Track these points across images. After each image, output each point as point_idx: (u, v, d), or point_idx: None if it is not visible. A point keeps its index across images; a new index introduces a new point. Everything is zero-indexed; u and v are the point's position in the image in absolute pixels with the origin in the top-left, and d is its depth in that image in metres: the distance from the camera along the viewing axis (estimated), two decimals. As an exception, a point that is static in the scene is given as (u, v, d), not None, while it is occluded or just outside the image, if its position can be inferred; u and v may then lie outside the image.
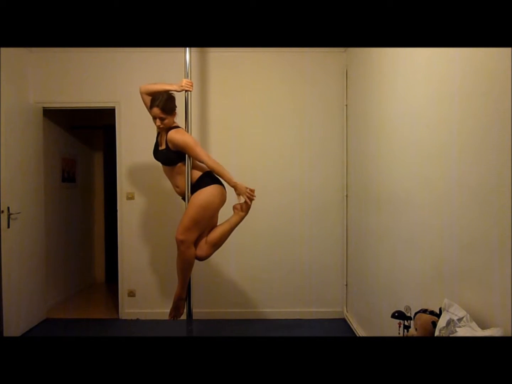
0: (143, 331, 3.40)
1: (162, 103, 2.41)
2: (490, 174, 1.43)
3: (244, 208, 2.60)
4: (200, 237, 2.57)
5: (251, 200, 2.56)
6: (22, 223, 3.25)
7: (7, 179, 3.07)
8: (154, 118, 2.46)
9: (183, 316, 2.64)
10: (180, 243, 2.42)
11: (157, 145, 2.61)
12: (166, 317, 2.63)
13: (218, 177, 2.54)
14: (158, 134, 2.61)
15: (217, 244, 2.60)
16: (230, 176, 2.51)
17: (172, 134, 2.45)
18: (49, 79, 3.63)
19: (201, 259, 2.58)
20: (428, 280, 1.94)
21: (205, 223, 2.52)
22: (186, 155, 2.50)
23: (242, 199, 2.57)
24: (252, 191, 2.57)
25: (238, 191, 2.55)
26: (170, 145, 2.47)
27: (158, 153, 2.57)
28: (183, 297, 2.58)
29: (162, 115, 2.42)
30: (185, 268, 2.49)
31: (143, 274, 3.68)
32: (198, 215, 2.45)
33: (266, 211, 3.66)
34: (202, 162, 2.49)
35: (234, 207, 2.65)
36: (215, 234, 2.58)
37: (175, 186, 2.61)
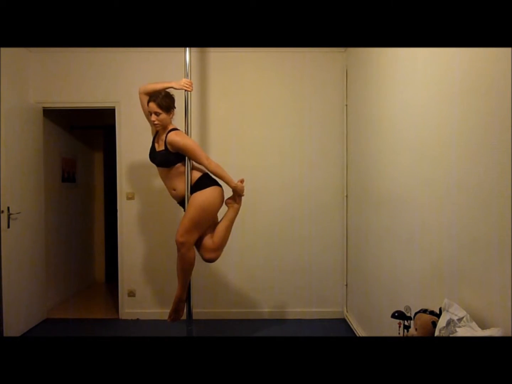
0: (143, 331, 3.40)
1: (159, 99, 2.43)
2: (490, 174, 1.43)
3: (238, 200, 2.66)
4: (203, 238, 2.57)
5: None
6: (22, 223, 3.25)
7: (7, 179, 3.07)
8: (150, 114, 2.47)
9: (183, 316, 2.64)
10: (180, 245, 2.41)
11: (153, 147, 2.58)
12: (166, 317, 2.62)
13: (218, 179, 2.55)
14: (155, 137, 2.60)
15: (223, 244, 2.63)
16: (230, 178, 2.54)
17: (173, 137, 2.44)
18: (49, 79, 3.63)
19: (211, 261, 2.60)
20: (428, 280, 1.94)
21: (205, 224, 2.53)
22: (186, 157, 2.50)
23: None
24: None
25: (238, 192, 2.61)
26: (169, 147, 2.46)
27: (155, 155, 2.54)
28: (184, 299, 2.56)
29: (158, 110, 2.43)
30: (185, 270, 2.48)
31: (143, 274, 3.68)
32: (199, 217, 2.44)
33: (266, 211, 3.66)
34: (202, 165, 2.50)
35: (227, 202, 2.66)
36: (219, 235, 2.58)
37: (172, 188, 2.58)
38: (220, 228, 2.61)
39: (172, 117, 2.53)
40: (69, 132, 4.38)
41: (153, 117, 2.45)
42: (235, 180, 2.61)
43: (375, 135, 2.77)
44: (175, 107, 2.53)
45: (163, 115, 2.45)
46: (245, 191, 2.70)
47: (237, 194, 2.64)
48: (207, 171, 2.57)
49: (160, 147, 2.52)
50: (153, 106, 2.43)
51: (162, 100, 2.43)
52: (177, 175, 2.53)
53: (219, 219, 2.69)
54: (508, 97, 1.32)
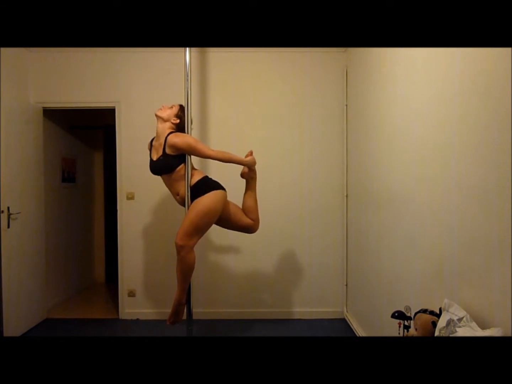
0: (143, 331, 3.40)
1: (182, 111, 2.57)
2: (490, 174, 1.43)
3: (255, 171, 2.73)
4: (239, 221, 2.67)
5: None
6: (22, 223, 3.25)
7: (7, 179, 3.07)
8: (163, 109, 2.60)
9: (183, 316, 2.64)
10: (180, 248, 2.38)
11: (151, 159, 2.58)
12: (166, 317, 2.62)
13: (230, 163, 2.61)
14: (150, 150, 2.62)
15: (258, 213, 2.77)
16: (240, 158, 2.61)
17: (172, 138, 2.44)
18: (49, 79, 3.63)
19: (254, 231, 2.79)
20: (428, 280, 1.94)
21: (205, 229, 2.50)
22: (186, 157, 2.50)
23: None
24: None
25: (251, 166, 2.68)
26: (170, 150, 2.45)
27: (154, 164, 2.53)
28: (183, 302, 2.53)
29: (175, 110, 2.55)
30: (185, 274, 2.45)
31: (143, 274, 3.68)
32: (200, 222, 2.42)
33: (266, 211, 3.64)
34: (209, 157, 2.53)
35: (244, 175, 2.73)
36: (252, 209, 2.73)
37: (176, 194, 2.58)
38: (250, 203, 2.72)
39: (173, 127, 2.55)
40: (69, 132, 4.38)
41: (164, 106, 2.57)
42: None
43: (375, 135, 2.77)
44: (178, 120, 2.57)
45: (169, 114, 2.53)
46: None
47: (251, 168, 2.70)
48: (205, 174, 2.59)
49: (158, 154, 2.51)
50: (176, 106, 2.58)
51: (183, 114, 2.58)
52: (179, 179, 2.52)
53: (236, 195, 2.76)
54: (508, 97, 1.32)
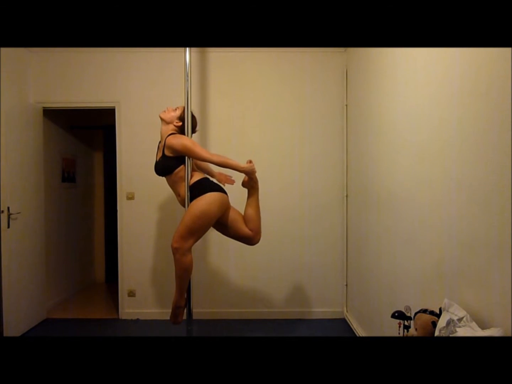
0: (143, 331, 3.40)
1: (183, 113, 2.54)
2: (490, 174, 1.43)
3: (254, 180, 2.63)
4: (239, 230, 2.59)
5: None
6: (22, 223, 3.25)
7: (7, 179, 3.07)
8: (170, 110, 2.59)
9: (183, 317, 2.64)
10: (175, 250, 2.37)
11: (156, 160, 2.60)
12: (166, 317, 2.61)
13: (226, 168, 2.54)
14: (158, 150, 2.62)
15: (259, 225, 2.66)
16: (236, 164, 2.51)
17: (170, 140, 2.44)
18: (49, 79, 3.63)
19: (255, 243, 2.68)
20: (428, 280, 1.94)
21: (201, 231, 2.47)
22: (186, 159, 2.49)
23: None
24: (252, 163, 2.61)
25: (249, 174, 2.59)
26: (168, 152, 2.45)
27: (156, 164, 2.55)
28: (181, 305, 2.50)
29: (178, 112, 2.54)
30: (181, 276, 2.41)
31: (143, 274, 3.68)
32: (194, 224, 2.39)
33: (266, 211, 3.64)
34: (205, 160, 2.47)
35: (244, 185, 2.66)
36: (252, 219, 2.62)
37: (177, 195, 2.58)
38: (249, 212, 2.63)
39: (175, 129, 2.54)
40: (69, 132, 4.38)
41: (169, 108, 2.57)
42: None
43: (375, 135, 2.77)
44: (181, 123, 2.54)
45: (172, 116, 2.52)
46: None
47: (250, 176, 2.61)
48: (206, 174, 2.57)
49: (159, 155, 2.53)
50: (180, 109, 2.56)
51: (184, 116, 2.54)
52: (178, 180, 2.52)
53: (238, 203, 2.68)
54: (508, 97, 1.32)
